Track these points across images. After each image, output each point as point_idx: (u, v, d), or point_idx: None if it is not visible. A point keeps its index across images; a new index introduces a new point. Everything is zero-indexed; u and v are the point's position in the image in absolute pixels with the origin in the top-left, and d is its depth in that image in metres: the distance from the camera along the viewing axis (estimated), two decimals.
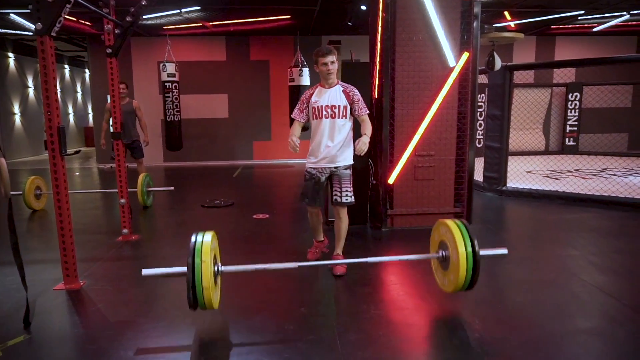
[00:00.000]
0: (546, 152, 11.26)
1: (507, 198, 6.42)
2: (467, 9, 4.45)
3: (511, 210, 5.80)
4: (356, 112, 3.28)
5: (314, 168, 3.38)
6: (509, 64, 6.58)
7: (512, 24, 9.97)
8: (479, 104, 9.39)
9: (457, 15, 4.46)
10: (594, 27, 10.55)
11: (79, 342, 2.34)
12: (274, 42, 11.47)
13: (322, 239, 3.73)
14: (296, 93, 9.36)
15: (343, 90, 3.28)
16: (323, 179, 3.39)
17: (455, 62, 4.48)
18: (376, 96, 4.70)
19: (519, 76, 8.77)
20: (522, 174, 7.90)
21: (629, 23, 10.03)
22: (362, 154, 3.07)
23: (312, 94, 3.34)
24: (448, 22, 4.41)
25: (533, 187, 6.67)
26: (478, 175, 6.65)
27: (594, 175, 7.91)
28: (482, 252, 2.54)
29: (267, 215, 5.46)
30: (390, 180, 4.62)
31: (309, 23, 9.73)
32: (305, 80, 9.57)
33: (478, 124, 9.55)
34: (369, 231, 4.66)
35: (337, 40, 6.52)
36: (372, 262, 3.34)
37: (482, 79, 7.65)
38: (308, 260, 3.61)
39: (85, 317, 2.68)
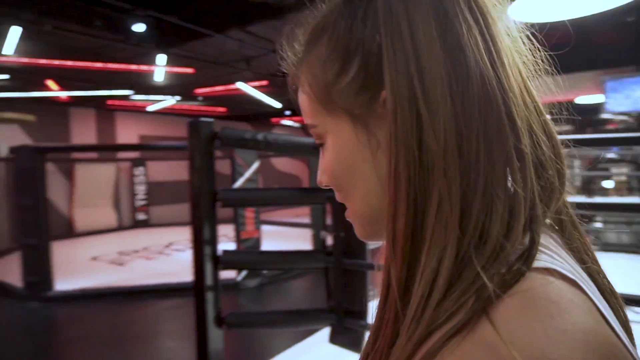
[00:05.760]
0: (120, 228, 10.62)
1: (55, 305, 5.18)
2: None
3: (57, 326, 4.71)
4: None
5: None
6: (40, 146, 6.07)
7: (59, 95, 8.69)
8: None
9: None
10: (148, 105, 10.16)
11: None
12: None
13: None
14: None
15: None
16: None
17: None
18: None
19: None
20: (86, 263, 7.10)
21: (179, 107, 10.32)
22: None
23: None
24: None
25: (86, 285, 5.63)
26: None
27: (160, 253, 7.77)
28: None
29: None
30: None
31: None
32: None
33: None
34: None
35: None
36: None
37: None
38: None
39: None
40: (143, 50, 6.05)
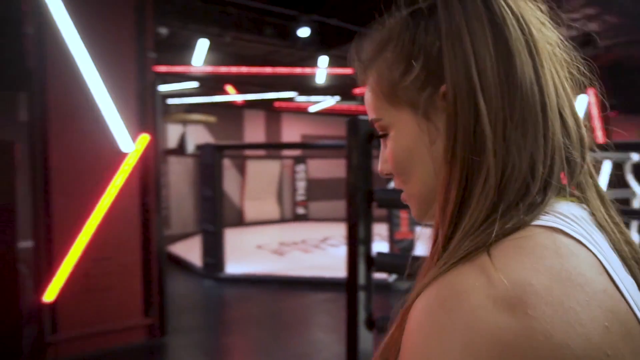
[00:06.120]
0: (281, 220, 11.40)
1: (225, 286, 5.85)
2: (146, 85, 3.87)
3: (226, 304, 5.33)
4: None
5: None
6: (219, 144, 7.35)
7: (235, 98, 9.23)
8: None
9: (131, 91, 3.80)
10: (309, 106, 10.72)
11: None
12: None
13: None
14: None
15: None
16: None
17: (132, 145, 3.76)
18: None
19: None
20: (252, 250, 7.71)
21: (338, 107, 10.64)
22: None
23: None
24: (121, 98, 3.69)
25: (251, 271, 6.26)
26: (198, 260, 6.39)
27: (316, 246, 8.08)
28: None
29: None
30: (49, 296, 3.55)
31: None
32: None
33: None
34: None
35: None
36: None
37: None
38: None
39: None
40: (307, 54, 6.39)
